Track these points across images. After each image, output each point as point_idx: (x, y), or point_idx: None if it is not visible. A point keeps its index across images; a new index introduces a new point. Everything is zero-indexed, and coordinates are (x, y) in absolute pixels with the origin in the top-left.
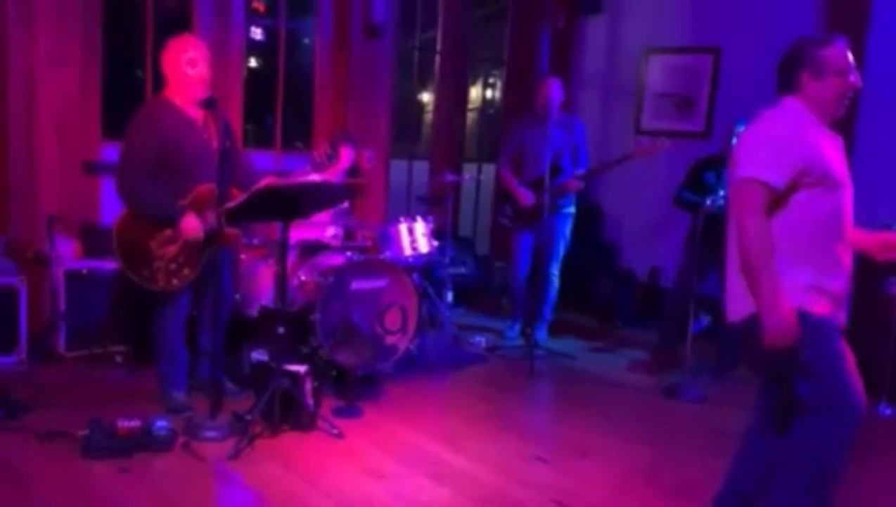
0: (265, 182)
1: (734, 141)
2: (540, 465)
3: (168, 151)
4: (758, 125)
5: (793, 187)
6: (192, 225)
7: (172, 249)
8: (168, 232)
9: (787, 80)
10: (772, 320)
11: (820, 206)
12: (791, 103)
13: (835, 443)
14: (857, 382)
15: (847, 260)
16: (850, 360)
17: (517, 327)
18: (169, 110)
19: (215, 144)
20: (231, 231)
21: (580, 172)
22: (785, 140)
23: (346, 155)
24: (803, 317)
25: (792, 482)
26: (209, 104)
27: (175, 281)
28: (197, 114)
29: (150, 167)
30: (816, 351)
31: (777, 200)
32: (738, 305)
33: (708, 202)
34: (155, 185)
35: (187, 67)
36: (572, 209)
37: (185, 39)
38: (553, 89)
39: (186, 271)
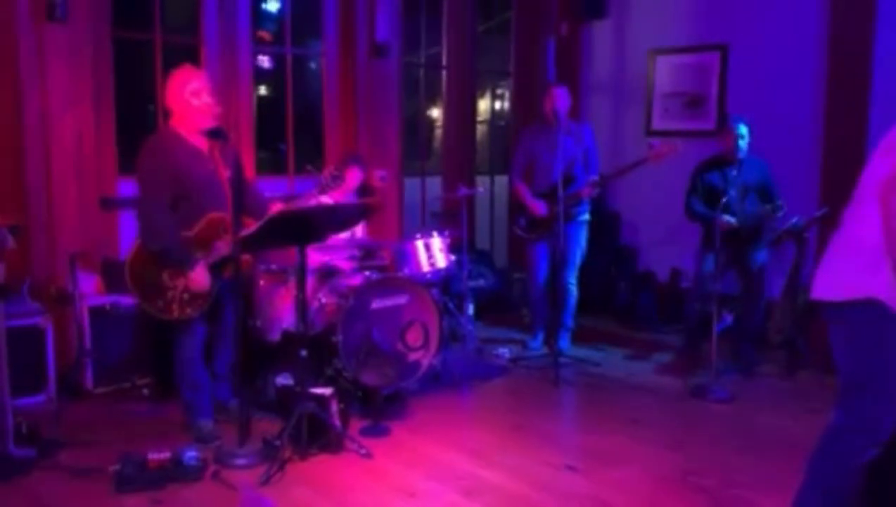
0: (275, 208)
1: (741, 143)
2: (571, 474)
3: (179, 180)
4: None
5: None
6: (200, 279)
7: (184, 281)
8: (185, 280)
9: None
10: None
11: None
12: None
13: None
14: None
15: None
16: None
17: (540, 337)
18: (175, 140)
19: (224, 173)
20: (244, 258)
21: (593, 178)
22: None
23: (354, 176)
24: None
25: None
26: (217, 134)
27: (189, 310)
28: (202, 143)
29: (167, 197)
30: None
31: None
32: (845, 286)
33: (726, 218)
34: (172, 220)
35: (192, 98)
36: (587, 217)
37: (187, 71)
38: (559, 98)
39: (200, 301)
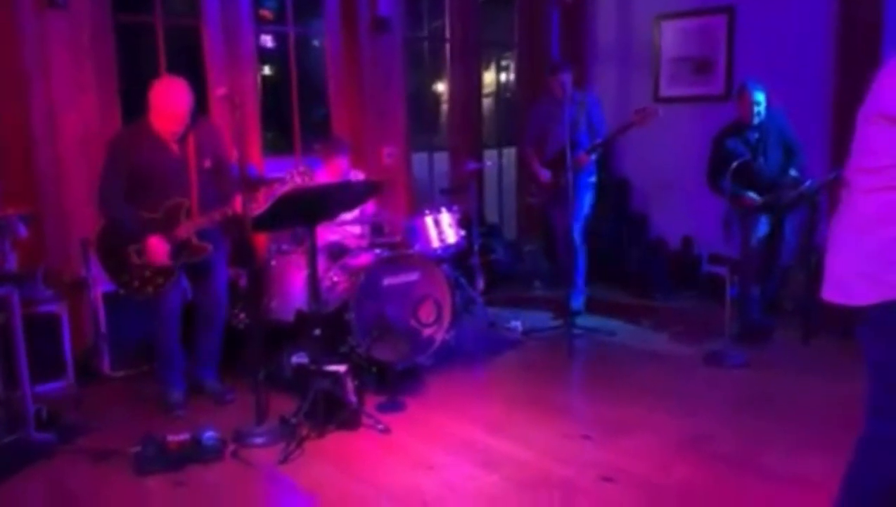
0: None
1: (757, 109)
2: (586, 443)
3: (135, 171)
4: None
5: None
6: (156, 249)
7: (146, 259)
8: (141, 246)
9: None
10: None
11: None
12: None
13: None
14: None
15: None
16: None
17: (580, 298)
18: (143, 133)
19: (194, 162)
20: (201, 244)
21: (586, 146)
22: None
23: (338, 164)
24: None
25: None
26: (195, 126)
27: (150, 288)
28: (174, 136)
29: (120, 184)
30: None
31: None
32: (869, 287)
33: (750, 196)
34: (125, 200)
35: (167, 118)
36: (593, 179)
37: (176, 89)
38: (566, 81)
39: (160, 280)
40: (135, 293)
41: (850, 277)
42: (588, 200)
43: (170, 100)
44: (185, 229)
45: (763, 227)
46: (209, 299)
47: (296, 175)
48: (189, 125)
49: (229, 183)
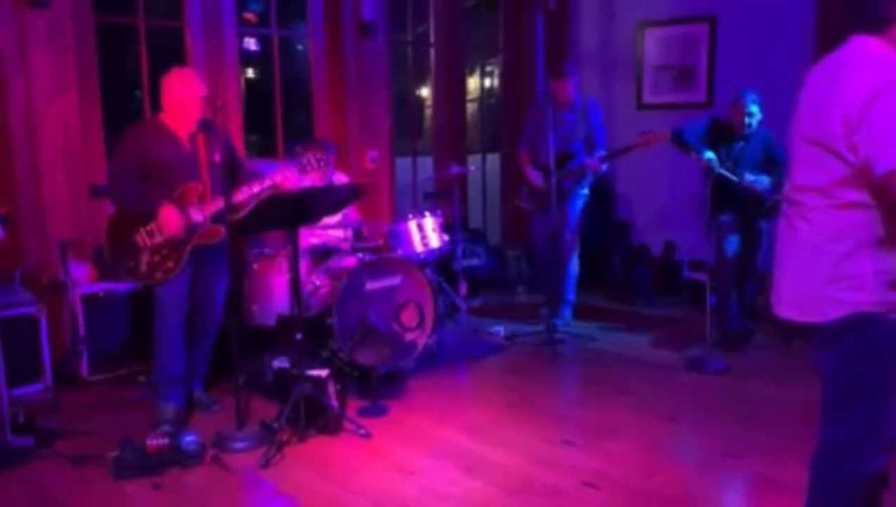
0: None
1: (749, 121)
2: (569, 448)
3: (148, 161)
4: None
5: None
6: (170, 219)
7: (156, 240)
8: (152, 225)
9: (873, 13)
10: None
11: None
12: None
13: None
14: None
15: None
16: None
17: (566, 312)
18: (155, 128)
19: (207, 157)
20: (213, 227)
21: (601, 153)
22: None
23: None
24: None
25: None
26: (203, 125)
27: (159, 274)
28: (185, 132)
29: (132, 177)
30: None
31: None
32: (829, 306)
33: (707, 157)
34: (137, 188)
35: (186, 102)
36: (585, 191)
37: (187, 74)
38: (570, 86)
39: (170, 264)
40: (143, 279)
41: (805, 295)
42: (578, 210)
43: (188, 86)
44: (199, 212)
45: (733, 238)
46: (204, 304)
47: (312, 160)
48: (201, 118)
49: (242, 178)
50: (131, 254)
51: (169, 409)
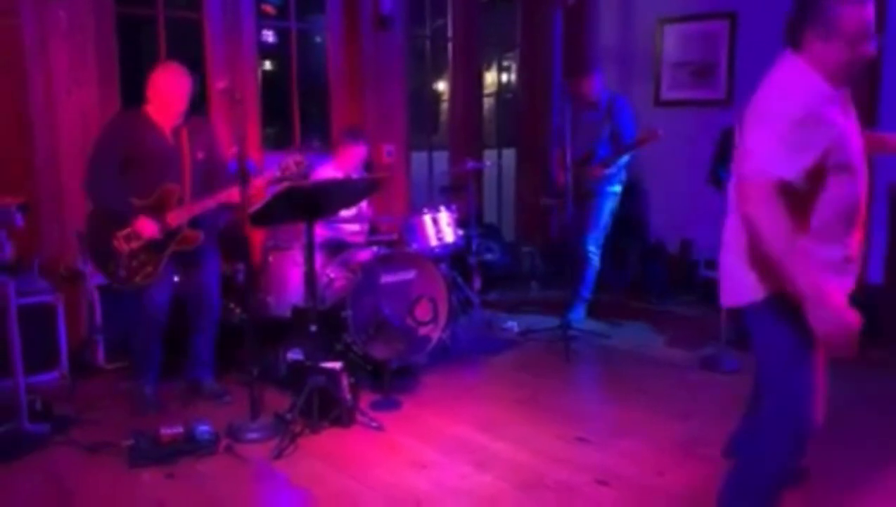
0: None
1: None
2: (581, 445)
3: (129, 149)
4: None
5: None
6: (146, 226)
7: (134, 245)
8: (129, 229)
9: (793, 33)
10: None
11: (836, 194)
12: (798, 64)
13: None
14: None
15: (855, 253)
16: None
17: (581, 309)
18: (138, 118)
19: (188, 153)
20: (191, 232)
21: (599, 158)
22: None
23: (354, 153)
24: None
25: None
26: (187, 119)
27: (138, 278)
28: (169, 124)
29: (113, 167)
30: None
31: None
32: (740, 290)
33: None
34: (116, 184)
35: (171, 101)
36: (615, 189)
37: (174, 73)
38: (596, 83)
39: (149, 269)
40: (122, 284)
41: (734, 278)
42: (607, 209)
43: (171, 82)
44: (177, 217)
45: None
46: (199, 292)
47: (291, 164)
48: (187, 113)
49: (221, 179)
50: (109, 257)
51: (148, 392)
